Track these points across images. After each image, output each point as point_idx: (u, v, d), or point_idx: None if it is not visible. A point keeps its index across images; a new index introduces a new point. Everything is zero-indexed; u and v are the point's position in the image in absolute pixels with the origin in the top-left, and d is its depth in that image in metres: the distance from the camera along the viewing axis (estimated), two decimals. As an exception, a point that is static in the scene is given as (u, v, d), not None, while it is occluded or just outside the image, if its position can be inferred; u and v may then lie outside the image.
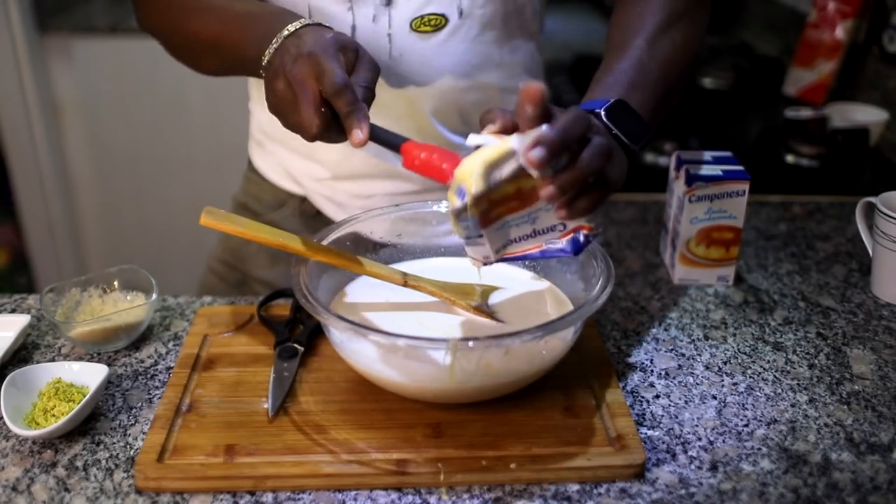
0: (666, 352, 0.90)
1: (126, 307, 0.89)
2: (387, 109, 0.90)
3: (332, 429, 0.76)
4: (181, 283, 1.56)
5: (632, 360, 0.88)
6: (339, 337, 0.77)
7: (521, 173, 0.66)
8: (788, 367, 0.87)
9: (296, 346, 0.86)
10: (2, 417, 0.76)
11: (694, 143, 1.65)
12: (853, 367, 0.87)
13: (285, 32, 0.79)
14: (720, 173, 0.98)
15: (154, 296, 0.90)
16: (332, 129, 0.75)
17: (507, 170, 0.66)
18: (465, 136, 0.71)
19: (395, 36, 0.93)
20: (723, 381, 0.85)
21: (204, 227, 0.76)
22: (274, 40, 0.79)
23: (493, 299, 0.86)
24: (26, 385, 0.78)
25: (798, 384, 0.85)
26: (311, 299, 0.74)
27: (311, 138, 0.76)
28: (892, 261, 0.98)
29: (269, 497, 0.70)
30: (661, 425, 0.78)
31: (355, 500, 0.70)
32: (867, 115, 1.65)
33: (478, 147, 0.67)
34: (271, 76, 0.78)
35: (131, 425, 0.78)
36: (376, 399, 0.79)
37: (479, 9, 0.94)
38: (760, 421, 0.79)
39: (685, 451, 0.75)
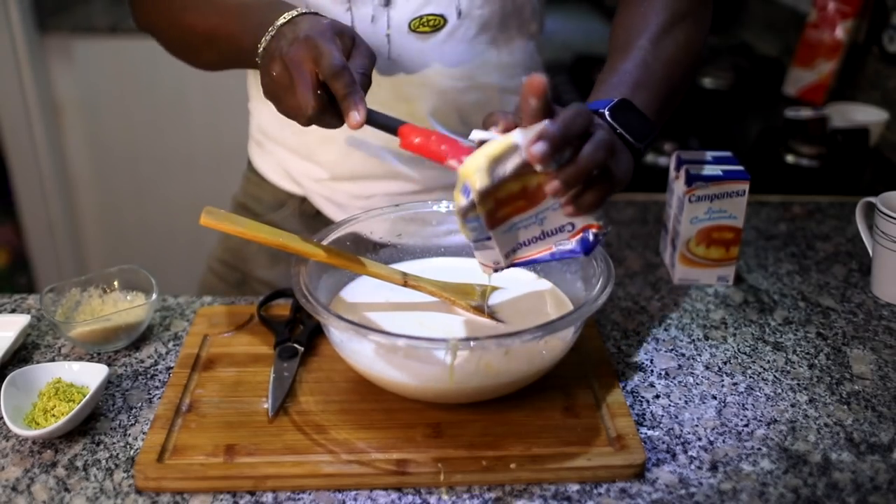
0: (666, 352, 0.90)
1: (126, 307, 0.89)
2: (385, 110, 0.89)
3: (332, 429, 0.76)
4: (181, 283, 1.56)
5: (632, 360, 0.88)
6: (339, 337, 0.77)
7: (525, 169, 0.66)
8: (788, 367, 0.87)
9: (296, 346, 0.86)
10: (2, 417, 0.76)
11: (694, 143, 1.65)
12: (853, 367, 0.87)
13: (282, 20, 0.79)
14: (720, 173, 0.98)
15: (154, 296, 0.90)
16: (328, 112, 0.75)
17: (510, 165, 0.66)
18: (465, 136, 0.71)
19: (393, 36, 0.93)
20: (723, 381, 0.85)
21: (204, 227, 0.76)
22: (270, 28, 0.79)
23: (493, 299, 0.86)
24: (26, 385, 0.78)
25: (798, 384, 0.85)
26: (311, 299, 0.74)
27: (306, 121, 0.75)
28: (892, 261, 0.98)
29: (269, 497, 0.70)
30: (661, 425, 0.78)
31: (355, 500, 0.70)
32: (867, 115, 1.65)
33: (481, 143, 0.67)
34: (267, 60, 0.78)
35: (131, 425, 0.78)
36: (376, 399, 0.79)
37: (478, 9, 0.94)
38: (760, 421, 0.79)
39: (685, 451, 0.75)
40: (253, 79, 1.08)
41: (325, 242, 0.83)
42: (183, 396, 0.80)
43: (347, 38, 0.77)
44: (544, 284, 0.89)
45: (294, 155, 1.06)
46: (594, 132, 0.67)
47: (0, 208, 2.45)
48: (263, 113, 1.08)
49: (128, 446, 0.75)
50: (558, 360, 0.78)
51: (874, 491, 0.71)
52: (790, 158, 1.56)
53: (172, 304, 0.98)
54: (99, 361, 0.87)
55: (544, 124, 0.64)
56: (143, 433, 0.77)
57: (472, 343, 0.70)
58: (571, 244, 0.72)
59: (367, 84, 0.76)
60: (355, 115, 0.73)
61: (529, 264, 0.75)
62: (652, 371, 0.86)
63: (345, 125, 0.76)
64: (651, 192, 1.28)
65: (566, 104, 0.68)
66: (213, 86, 2.21)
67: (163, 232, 2.46)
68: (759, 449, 0.75)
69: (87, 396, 0.76)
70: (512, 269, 0.89)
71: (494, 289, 0.87)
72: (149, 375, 0.85)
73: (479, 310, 0.83)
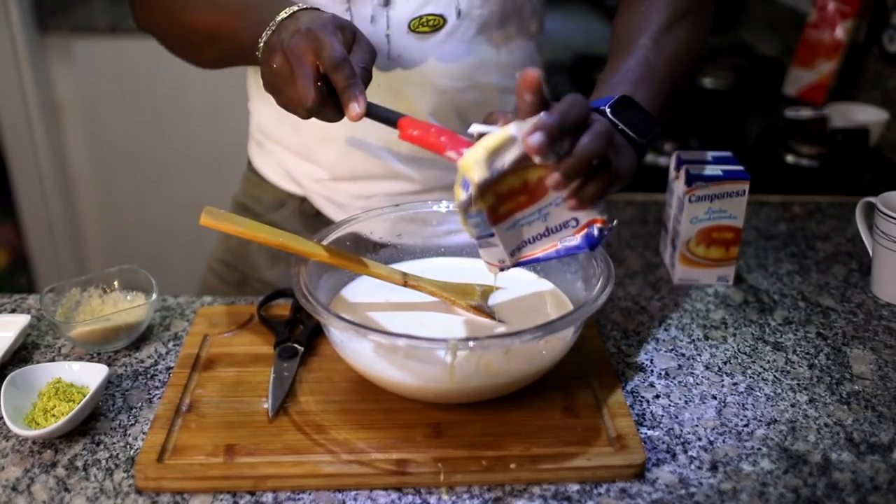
0: (666, 352, 0.90)
1: (126, 307, 0.89)
2: (385, 110, 0.90)
3: (332, 429, 0.76)
4: (181, 283, 1.56)
5: (632, 360, 0.88)
6: (339, 337, 0.77)
7: (524, 163, 0.66)
8: (788, 367, 0.87)
9: (296, 346, 0.86)
10: (2, 417, 0.76)
11: (694, 143, 1.65)
12: (853, 367, 0.87)
13: (283, 15, 0.79)
14: (720, 173, 0.98)
15: (154, 296, 0.90)
16: (328, 105, 0.75)
17: (509, 157, 0.65)
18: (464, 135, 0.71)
19: (393, 36, 0.93)
20: (723, 381, 0.85)
21: (204, 227, 0.76)
22: (271, 23, 0.79)
23: (493, 299, 0.86)
24: (26, 385, 0.78)
25: (798, 384, 0.85)
26: (311, 299, 0.74)
27: (305, 113, 0.76)
28: (892, 261, 0.98)
29: (269, 497, 0.70)
30: (661, 425, 0.78)
31: (355, 500, 0.70)
32: (867, 115, 1.65)
33: (480, 136, 0.67)
34: (268, 53, 0.78)
35: (131, 425, 0.78)
36: (376, 399, 0.79)
37: (478, 9, 0.94)
38: (760, 421, 0.79)
39: (685, 451, 0.75)
40: (253, 79, 1.08)
41: (325, 242, 0.83)
42: (183, 396, 0.80)
43: (348, 33, 0.77)
44: (544, 284, 0.89)
45: (294, 155, 1.06)
46: (592, 123, 0.67)
47: (0, 208, 2.45)
48: (263, 113, 1.08)
49: (128, 446, 0.75)
50: (558, 360, 0.78)
51: (874, 491, 0.71)
52: (790, 158, 1.56)
53: (172, 304, 0.98)
54: (99, 361, 0.87)
55: (540, 116, 0.64)
56: (143, 433, 0.77)
57: (472, 343, 0.70)
58: (576, 240, 0.72)
59: (367, 78, 0.76)
60: (355, 107, 0.73)
61: (535, 262, 0.75)
62: (652, 371, 0.86)
63: (344, 119, 0.76)
64: (651, 192, 1.28)
65: None
66: (213, 86, 2.21)
67: (163, 232, 2.46)
68: (759, 449, 0.75)
69: (87, 396, 0.76)
70: (512, 269, 0.89)
71: (494, 289, 0.87)
72: (149, 375, 0.85)
73: (479, 310, 0.83)
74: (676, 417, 0.79)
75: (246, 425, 0.76)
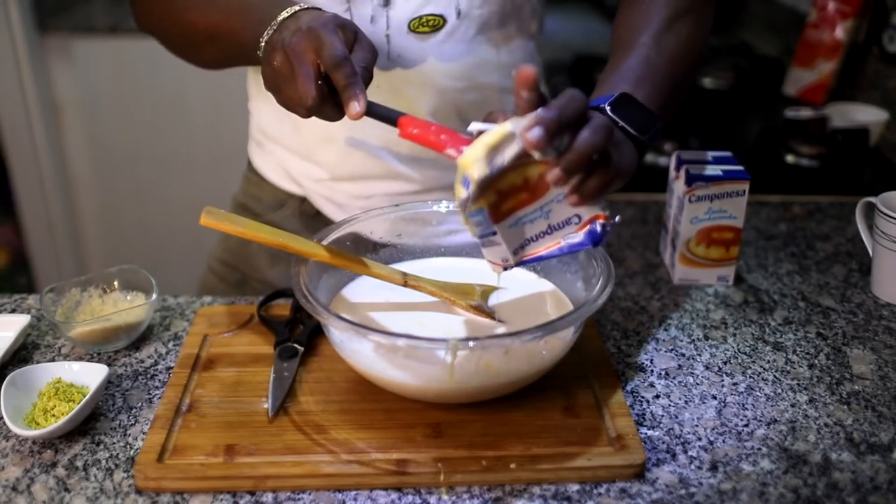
0: (666, 352, 0.90)
1: (126, 307, 0.89)
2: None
3: (332, 429, 0.76)
4: (181, 283, 1.56)
5: (632, 360, 0.88)
6: (339, 337, 0.77)
7: (524, 159, 0.66)
8: (788, 367, 0.87)
9: (296, 346, 0.86)
10: (2, 417, 0.76)
11: (694, 143, 1.65)
12: (853, 367, 0.87)
13: (284, 14, 0.79)
14: (720, 173, 0.98)
15: (154, 296, 0.90)
16: (328, 103, 0.75)
17: (508, 154, 0.65)
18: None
19: (393, 37, 0.93)
20: (723, 381, 0.85)
21: (204, 227, 0.76)
22: (273, 22, 0.79)
23: (493, 299, 0.86)
24: (26, 385, 0.78)
25: (798, 384, 0.85)
26: (311, 299, 0.74)
27: (306, 112, 0.76)
28: (892, 261, 0.98)
29: (269, 497, 0.70)
30: (661, 425, 0.78)
31: (355, 500, 0.70)
32: (867, 115, 1.65)
33: (480, 134, 0.67)
34: (269, 52, 0.78)
35: (131, 425, 0.78)
36: (376, 399, 0.79)
37: (477, 9, 0.94)
38: (760, 421, 0.79)
39: (685, 451, 0.75)
40: (253, 79, 1.08)
41: (325, 242, 0.83)
42: (183, 396, 0.80)
43: (350, 32, 0.77)
44: (544, 284, 0.89)
45: (294, 155, 1.06)
46: (591, 118, 0.67)
47: (0, 208, 2.45)
48: (264, 113, 1.08)
49: (128, 446, 0.75)
50: (558, 360, 0.78)
51: (874, 491, 0.71)
52: (790, 158, 1.56)
53: (172, 304, 0.98)
54: (99, 361, 0.87)
55: (538, 111, 0.64)
56: (143, 433, 0.77)
57: (472, 343, 0.70)
58: (580, 237, 0.72)
59: (368, 78, 0.76)
60: (355, 106, 0.73)
61: (539, 260, 0.75)
62: (652, 371, 0.86)
63: (344, 119, 0.76)
64: (651, 192, 1.28)
65: None
66: (213, 86, 2.21)
67: (163, 232, 2.46)
68: (759, 449, 0.75)
69: (87, 396, 0.76)
70: (514, 268, 0.88)
71: (494, 289, 0.87)
72: (149, 375, 0.85)
73: (479, 310, 0.83)
74: (676, 417, 0.79)
75: (246, 425, 0.76)
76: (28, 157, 2.33)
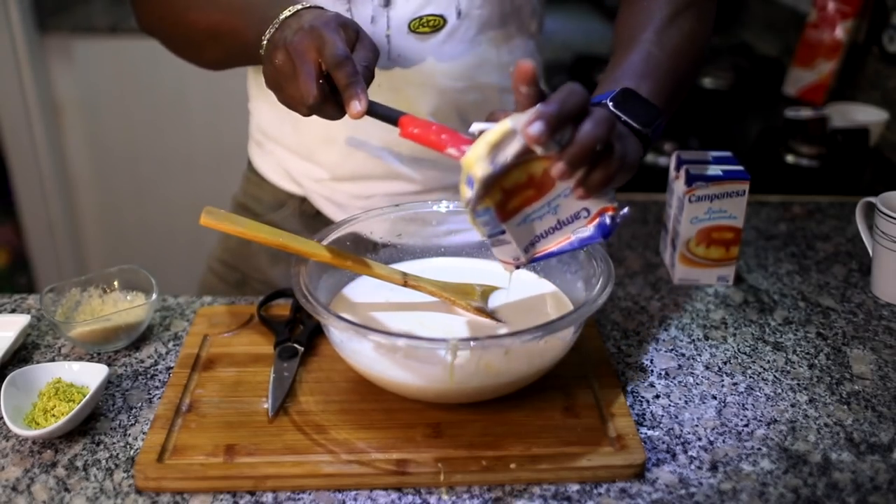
0: (666, 352, 0.90)
1: (126, 307, 0.89)
2: (386, 110, 0.90)
3: (332, 429, 0.76)
4: (181, 283, 1.56)
5: (632, 360, 0.88)
6: (339, 337, 0.77)
7: (527, 156, 0.65)
8: (788, 367, 0.87)
9: (296, 346, 0.86)
10: (2, 417, 0.76)
11: (694, 143, 1.65)
12: (853, 367, 0.87)
13: (286, 13, 0.79)
14: (720, 173, 0.98)
15: (154, 296, 0.90)
16: (329, 102, 0.75)
17: (511, 151, 0.65)
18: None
19: (393, 37, 0.93)
20: (723, 381, 0.85)
21: (204, 227, 0.76)
22: (274, 21, 0.79)
23: (493, 299, 0.86)
24: (26, 385, 0.78)
25: (798, 384, 0.85)
26: (311, 299, 0.74)
27: (307, 111, 0.76)
28: (892, 261, 0.98)
29: (269, 497, 0.70)
30: (661, 425, 0.78)
31: (355, 500, 0.70)
32: (867, 115, 1.65)
33: (482, 134, 0.67)
34: (271, 50, 0.78)
35: (131, 425, 0.78)
36: (376, 399, 0.79)
37: (478, 9, 0.94)
38: (760, 421, 0.79)
39: (685, 451, 0.75)
40: (253, 79, 1.08)
41: (325, 242, 0.83)
42: (183, 396, 0.80)
43: (351, 31, 0.77)
44: (544, 284, 0.89)
45: (294, 155, 1.06)
46: (592, 110, 0.67)
47: (0, 208, 2.45)
48: (264, 113, 1.08)
49: (128, 446, 0.75)
50: (558, 360, 0.78)
51: (874, 491, 0.71)
52: (790, 158, 1.56)
53: (172, 304, 0.98)
54: (99, 361, 0.87)
55: (538, 106, 0.64)
56: (143, 433, 0.77)
57: (472, 343, 0.70)
58: (589, 230, 0.72)
59: (369, 77, 0.76)
60: (356, 105, 0.73)
61: (550, 256, 0.74)
62: (652, 371, 0.86)
63: (345, 119, 0.76)
64: (651, 192, 1.28)
65: None
66: (213, 86, 2.21)
67: (163, 232, 2.46)
68: (759, 449, 0.75)
69: (87, 396, 0.76)
70: (525, 266, 0.88)
71: (494, 289, 0.87)
72: (149, 375, 0.85)
73: (479, 310, 0.83)
74: (676, 417, 0.79)
75: (246, 425, 0.76)
76: (28, 157, 2.33)
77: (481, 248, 0.93)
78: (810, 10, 1.91)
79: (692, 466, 0.73)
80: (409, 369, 0.74)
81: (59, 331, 0.88)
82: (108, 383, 0.82)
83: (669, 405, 0.81)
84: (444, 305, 0.84)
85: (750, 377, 0.85)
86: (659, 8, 0.89)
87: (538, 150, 0.64)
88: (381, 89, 0.93)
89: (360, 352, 0.76)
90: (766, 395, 0.83)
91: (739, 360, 0.88)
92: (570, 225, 0.72)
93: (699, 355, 0.89)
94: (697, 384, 0.84)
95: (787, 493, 0.71)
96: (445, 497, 0.70)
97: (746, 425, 0.78)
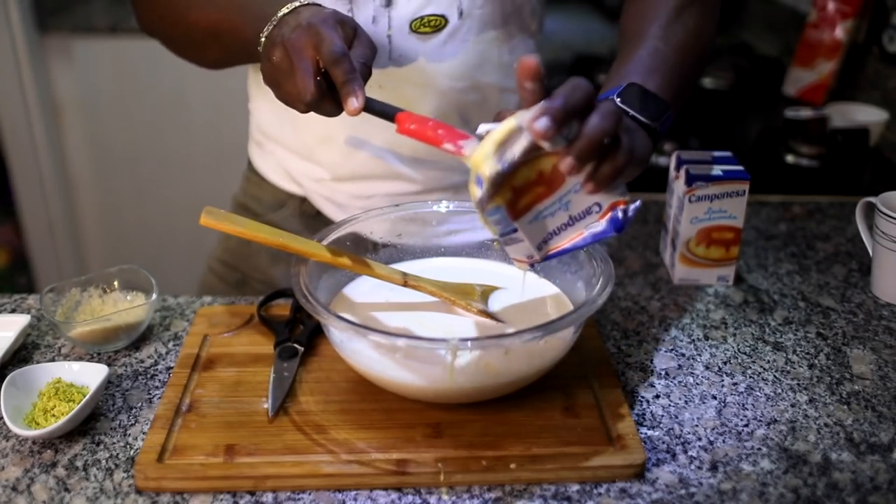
0: (666, 352, 0.90)
1: (126, 307, 0.89)
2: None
3: (332, 429, 0.76)
4: (181, 283, 1.56)
5: (632, 360, 0.88)
6: (339, 337, 0.77)
7: (535, 152, 0.65)
8: (788, 367, 0.87)
9: (296, 346, 0.86)
10: (2, 417, 0.76)
11: (694, 143, 1.65)
12: (853, 367, 0.87)
13: (284, 10, 0.80)
14: (720, 173, 0.98)
15: (154, 296, 0.90)
16: (326, 99, 0.75)
17: (518, 148, 0.65)
18: None
19: (394, 37, 0.93)
20: (723, 381, 0.85)
21: (204, 227, 0.76)
22: (273, 18, 0.80)
23: (493, 299, 0.86)
24: (26, 385, 0.78)
25: (798, 384, 0.85)
26: (311, 299, 0.74)
27: (304, 108, 0.76)
28: (892, 261, 0.98)
29: (269, 497, 0.70)
30: (661, 425, 0.78)
31: (355, 500, 0.70)
32: (867, 115, 1.65)
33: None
34: (269, 47, 0.78)
35: (131, 425, 0.78)
36: (376, 399, 0.79)
37: (479, 9, 0.94)
38: (760, 421, 0.79)
39: (685, 451, 0.75)
40: (253, 79, 1.08)
41: (325, 242, 0.83)
42: (183, 396, 0.80)
43: (349, 28, 0.77)
44: (544, 284, 0.89)
45: (294, 155, 1.06)
46: (598, 104, 0.66)
47: (0, 208, 2.45)
48: (264, 113, 1.08)
49: (128, 446, 0.75)
50: (558, 360, 0.78)
51: (874, 491, 0.71)
52: (790, 158, 1.56)
53: (172, 304, 0.98)
54: (99, 361, 0.87)
55: (543, 102, 0.63)
56: (143, 433, 0.77)
57: (471, 343, 0.70)
58: (602, 225, 0.71)
59: (366, 74, 0.76)
60: (353, 102, 0.73)
61: (564, 253, 0.74)
62: (652, 371, 0.86)
63: (345, 118, 0.76)
64: (651, 192, 1.28)
65: None
66: (213, 86, 2.21)
67: (163, 232, 2.46)
68: (759, 449, 0.75)
69: (87, 396, 0.76)
70: (512, 269, 0.88)
71: (494, 289, 0.87)
72: (149, 375, 0.85)
73: (479, 310, 0.83)
74: (676, 417, 0.79)
75: (246, 425, 0.76)
76: (28, 157, 2.33)
77: (481, 248, 0.93)
78: (810, 10, 1.91)
79: (692, 466, 0.73)
80: (409, 369, 0.74)
81: (59, 331, 0.88)
82: (108, 383, 0.82)
83: (669, 405, 0.81)
84: (444, 305, 0.84)
85: (750, 377, 0.85)
86: (664, 4, 0.89)
87: (545, 146, 0.64)
88: (383, 90, 0.94)
89: (359, 352, 0.76)
90: (766, 395, 0.83)
91: (739, 360, 0.88)
92: (582, 220, 0.72)
93: (699, 355, 0.89)
94: (697, 384, 0.84)
95: (787, 493, 0.71)
96: (445, 497, 0.70)
97: (746, 425, 0.78)
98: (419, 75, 0.95)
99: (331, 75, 0.74)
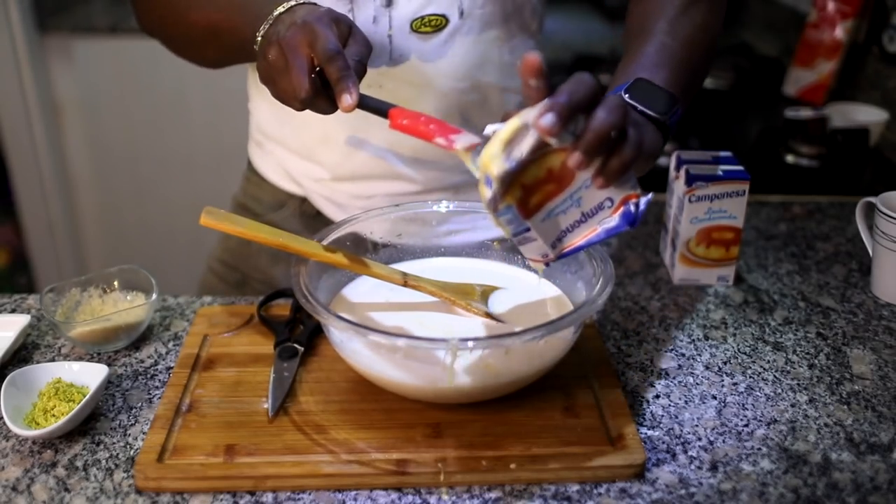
0: (666, 352, 0.90)
1: (126, 307, 0.89)
2: (387, 109, 0.90)
3: (332, 429, 0.76)
4: (181, 283, 1.56)
5: (632, 360, 0.88)
6: (339, 337, 0.77)
7: (543, 150, 0.65)
8: (788, 367, 0.87)
9: (296, 346, 0.86)
10: (2, 417, 0.76)
11: (694, 143, 1.65)
12: (853, 367, 0.87)
13: (280, 9, 0.80)
14: (720, 173, 0.98)
15: (154, 296, 0.90)
16: (321, 97, 0.75)
17: (525, 145, 0.64)
18: None
19: (395, 37, 0.93)
20: (723, 381, 0.85)
21: (204, 227, 0.76)
22: (268, 17, 0.80)
23: (493, 299, 0.86)
24: (26, 385, 0.78)
25: (798, 384, 0.85)
26: (311, 299, 0.74)
27: (299, 105, 0.76)
28: (892, 261, 0.98)
29: (269, 497, 0.70)
30: (661, 425, 0.78)
31: (355, 500, 0.70)
32: (867, 115, 1.65)
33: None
34: (264, 45, 0.78)
35: (131, 425, 0.78)
36: (376, 399, 0.79)
37: (479, 9, 0.94)
38: (760, 421, 0.79)
39: (685, 451, 0.75)
40: (253, 79, 1.08)
41: (325, 242, 0.83)
42: (183, 396, 0.80)
43: (344, 26, 0.78)
44: (544, 284, 0.89)
45: (294, 155, 1.06)
46: (604, 99, 0.66)
47: (0, 208, 2.45)
48: (264, 113, 1.08)
49: (128, 446, 0.75)
50: (558, 360, 0.78)
51: (874, 491, 0.71)
52: (790, 158, 1.56)
53: (172, 304, 0.98)
54: (99, 361, 0.87)
55: (548, 98, 0.63)
56: (143, 433, 0.77)
57: (471, 343, 0.70)
58: (615, 220, 0.71)
59: (361, 71, 0.76)
60: (347, 98, 0.73)
61: (579, 251, 0.73)
62: (652, 371, 0.86)
63: (345, 118, 0.76)
64: (651, 193, 1.28)
65: None
66: (213, 86, 2.21)
67: (163, 232, 2.46)
68: (759, 449, 0.75)
69: (87, 396, 0.76)
70: (512, 269, 0.88)
71: (494, 289, 0.87)
72: (149, 375, 0.85)
73: (479, 310, 0.83)
74: (676, 417, 0.79)
75: (246, 425, 0.76)
76: (28, 157, 2.33)
77: (481, 248, 0.93)
78: (810, 10, 1.91)
79: (692, 466, 0.73)
80: (409, 369, 0.74)
81: (59, 331, 0.88)
82: (108, 383, 0.82)
83: (669, 405, 0.81)
84: (444, 305, 0.84)
85: (750, 377, 0.85)
86: (670, 0, 0.89)
87: (552, 142, 0.64)
88: (383, 90, 0.94)
89: (359, 352, 0.76)
90: (766, 395, 0.83)
91: (739, 360, 0.88)
92: (594, 216, 0.71)
93: (699, 355, 0.89)
94: (697, 384, 0.84)
95: (787, 493, 0.71)
96: (445, 497, 0.70)
97: (746, 425, 0.78)
98: (420, 75, 0.95)
99: (325, 72, 0.74)
